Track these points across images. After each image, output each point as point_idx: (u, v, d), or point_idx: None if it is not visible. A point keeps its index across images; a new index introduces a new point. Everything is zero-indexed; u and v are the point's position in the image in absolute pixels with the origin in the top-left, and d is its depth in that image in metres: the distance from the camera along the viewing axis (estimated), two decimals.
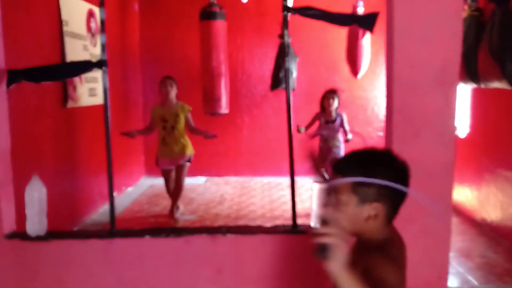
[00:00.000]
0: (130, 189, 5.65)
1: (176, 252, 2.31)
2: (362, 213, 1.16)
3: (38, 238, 2.27)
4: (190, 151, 4.24)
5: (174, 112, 4.15)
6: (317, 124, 4.50)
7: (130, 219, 4.43)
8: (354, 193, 1.15)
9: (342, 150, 4.44)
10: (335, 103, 4.36)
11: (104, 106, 2.29)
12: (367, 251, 1.17)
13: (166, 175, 4.33)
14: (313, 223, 2.41)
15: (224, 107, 5.00)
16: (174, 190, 4.33)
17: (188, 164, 4.27)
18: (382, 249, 1.16)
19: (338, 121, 4.38)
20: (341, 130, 4.39)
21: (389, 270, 1.12)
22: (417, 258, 2.24)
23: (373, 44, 5.18)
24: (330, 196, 1.20)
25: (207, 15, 4.58)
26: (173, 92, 4.19)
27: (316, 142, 4.56)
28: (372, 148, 1.22)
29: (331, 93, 4.39)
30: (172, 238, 2.30)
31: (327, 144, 4.42)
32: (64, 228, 3.53)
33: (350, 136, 4.35)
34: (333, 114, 4.36)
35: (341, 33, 5.17)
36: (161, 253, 2.31)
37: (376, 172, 1.14)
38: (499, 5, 3.24)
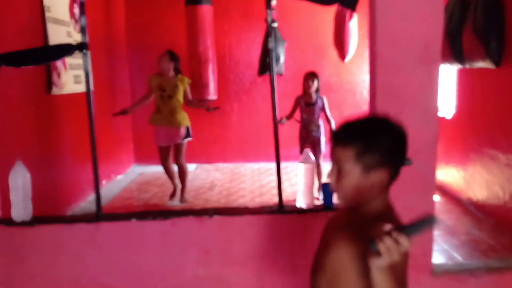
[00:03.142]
0: (119, 177, 5.63)
1: (163, 234, 2.31)
2: (368, 181, 1.15)
3: (24, 224, 2.26)
4: (185, 123, 4.15)
5: (173, 83, 4.09)
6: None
7: (119, 206, 4.42)
8: (358, 162, 1.14)
9: (322, 134, 4.42)
10: (315, 85, 4.32)
11: (86, 90, 2.27)
12: (370, 224, 1.09)
13: (162, 153, 4.21)
14: (299, 203, 2.43)
15: (212, 93, 4.99)
16: (179, 174, 4.27)
17: (186, 140, 4.19)
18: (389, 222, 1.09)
19: (318, 104, 4.32)
20: (321, 114, 4.35)
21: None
22: None
23: (361, 28, 5.16)
24: (332, 167, 1.20)
25: None
26: (171, 68, 4.11)
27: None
28: (369, 115, 1.23)
29: (310, 75, 4.35)
30: (159, 221, 2.30)
31: (306, 128, 4.38)
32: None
33: (333, 124, 4.32)
34: (313, 96, 4.32)
35: (329, 17, 5.15)
36: (148, 236, 2.31)
37: (377, 139, 1.15)
38: None
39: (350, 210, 1.23)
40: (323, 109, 4.34)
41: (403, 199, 2.23)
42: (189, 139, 4.22)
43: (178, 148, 4.19)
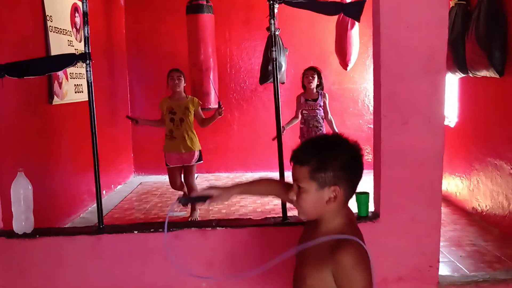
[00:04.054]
0: (119, 187, 5.59)
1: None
2: (323, 197, 1.23)
3: (25, 236, 2.23)
4: (197, 146, 4.08)
5: (184, 104, 4.00)
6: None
7: (120, 217, 4.38)
8: (313, 179, 1.22)
9: (324, 131, 4.29)
10: (315, 81, 4.22)
11: (89, 101, 2.25)
12: (333, 248, 1.19)
13: (171, 173, 4.12)
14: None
15: (213, 102, 4.97)
16: (189, 193, 4.20)
17: (197, 163, 4.13)
18: (350, 249, 1.18)
19: (319, 101, 4.22)
20: (322, 110, 4.25)
21: (365, 277, 1.16)
22: (408, 246, 2.25)
23: (362, 36, 5.17)
24: (293, 185, 1.28)
25: (194, 8, 4.55)
26: (181, 85, 4.03)
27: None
28: (324, 134, 1.28)
29: (310, 70, 4.26)
30: (161, 233, 2.27)
31: (307, 124, 4.26)
32: (53, 226, 3.48)
33: (333, 124, 4.24)
34: (314, 92, 4.22)
35: (331, 25, 5.15)
36: (150, 248, 2.28)
37: (331, 156, 1.22)
38: None
39: (318, 224, 1.30)
40: (324, 105, 4.25)
41: (409, 210, 2.22)
42: (200, 162, 4.16)
43: (189, 170, 4.09)
